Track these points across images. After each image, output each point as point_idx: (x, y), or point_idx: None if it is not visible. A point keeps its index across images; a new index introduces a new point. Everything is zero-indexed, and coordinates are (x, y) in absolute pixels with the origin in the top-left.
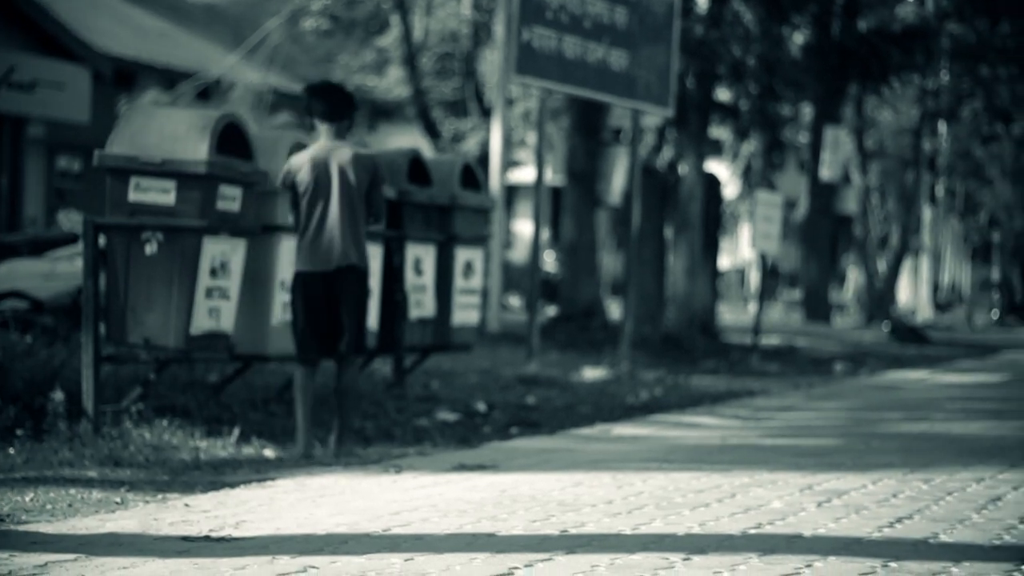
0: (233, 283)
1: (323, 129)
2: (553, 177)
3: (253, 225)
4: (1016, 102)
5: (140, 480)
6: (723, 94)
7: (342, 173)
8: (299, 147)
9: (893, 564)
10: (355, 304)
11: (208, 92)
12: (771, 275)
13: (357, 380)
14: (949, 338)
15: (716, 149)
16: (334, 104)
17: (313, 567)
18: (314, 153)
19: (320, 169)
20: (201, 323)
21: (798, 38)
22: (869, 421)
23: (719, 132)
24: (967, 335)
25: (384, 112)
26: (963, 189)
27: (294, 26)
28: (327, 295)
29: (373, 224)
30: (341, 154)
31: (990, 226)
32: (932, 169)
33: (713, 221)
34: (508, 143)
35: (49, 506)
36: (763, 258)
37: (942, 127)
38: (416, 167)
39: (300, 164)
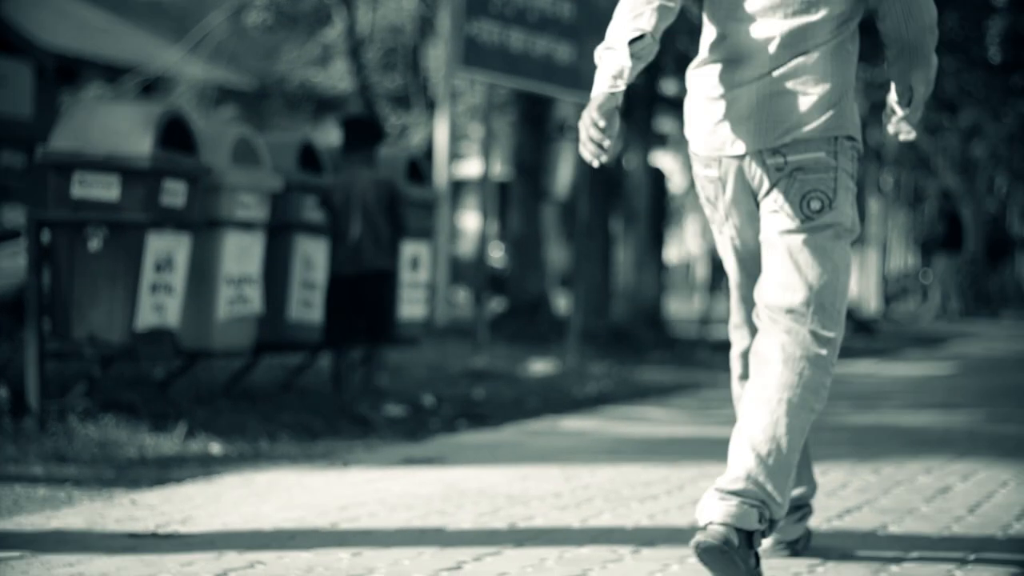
0: (178, 278)
1: (347, 157)
2: (499, 171)
3: (198, 220)
4: (962, 93)
5: (86, 477)
6: (670, 87)
7: (364, 193)
8: (244, 143)
9: (841, 555)
10: (381, 299)
11: (152, 87)
12: (718, 268)
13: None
14: (897, 329)
15: (663, 142)
16: (354, 136)
17: (260, 562)
18: (341, 179)
19: (346, 192)
20: (146, 318)
21: None
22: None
23: (666, 125)
24: (916, 327)
25: (329, 106)
26: (911, 180)
27: (238, 21)
28: (354, 293)
29: (400, 238)
30: (364, 177)
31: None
32: (878, 160)
33: (660, 214)
34: (454, 137)
35: None
36: (711, 250)
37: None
38: None
39: (333, 189)
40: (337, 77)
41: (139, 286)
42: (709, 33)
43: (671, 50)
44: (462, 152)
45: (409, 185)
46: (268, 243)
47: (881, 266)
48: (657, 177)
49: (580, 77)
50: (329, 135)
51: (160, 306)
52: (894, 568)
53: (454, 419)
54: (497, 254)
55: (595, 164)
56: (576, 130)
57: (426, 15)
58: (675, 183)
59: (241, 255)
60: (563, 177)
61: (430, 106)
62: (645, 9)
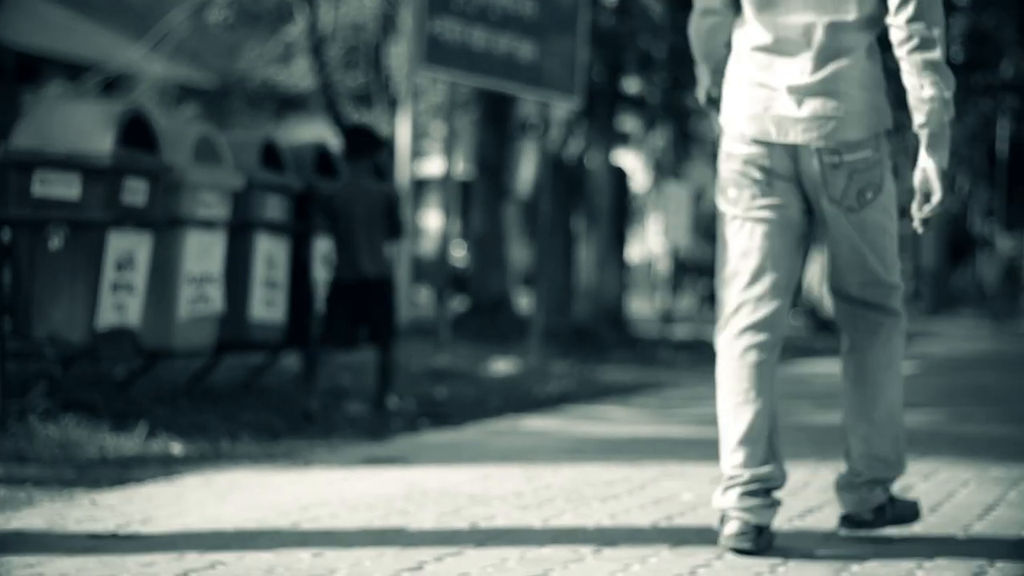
0: (139, 277)
1: (348, 165)
2: (462, 169)
3: (159, 218)
4: None
5: (46, 477)
6: (632, 85)
7: (365, 202)
8: (205, 141)
9: (803, 555)
10: (383, 302)
11: (114, 85)
12: (681, 267)
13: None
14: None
15: (625, 140)
16: (353, 145)
17: (221, 563)
18: (342, 187)
19: (346, 200)
20: (107, 317)
21: None
22: (779, 412)
23: (628, 123)
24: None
25: (291, 104)
26: None
27: (200, 18)
28: (355, 298)
29: (396, 241)
30: (363, 186)
31: (902, 216)
32: None
33: (621, 213)
34: (416, 135)
35: None
36: (673, 250)
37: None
38: (323, 159)
39: (334, 195)
40: (299, 75)
41: (100, 285)
42: (750, 25)
43: (632, 49)
44: (424, 151)
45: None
46: (230, 242)
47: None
48: (619, 176)
49: (542, 75)
50: (291, 133)
51: (121, 305)
52: (855, 568)
53: (416, 418)
54: (459, 253)
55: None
56: (537, 127)
57: (388, 13)
58: (637, 182)
59: (202, 254)
60: (525, 176)
61: (392, 104)
62: (700, 63)
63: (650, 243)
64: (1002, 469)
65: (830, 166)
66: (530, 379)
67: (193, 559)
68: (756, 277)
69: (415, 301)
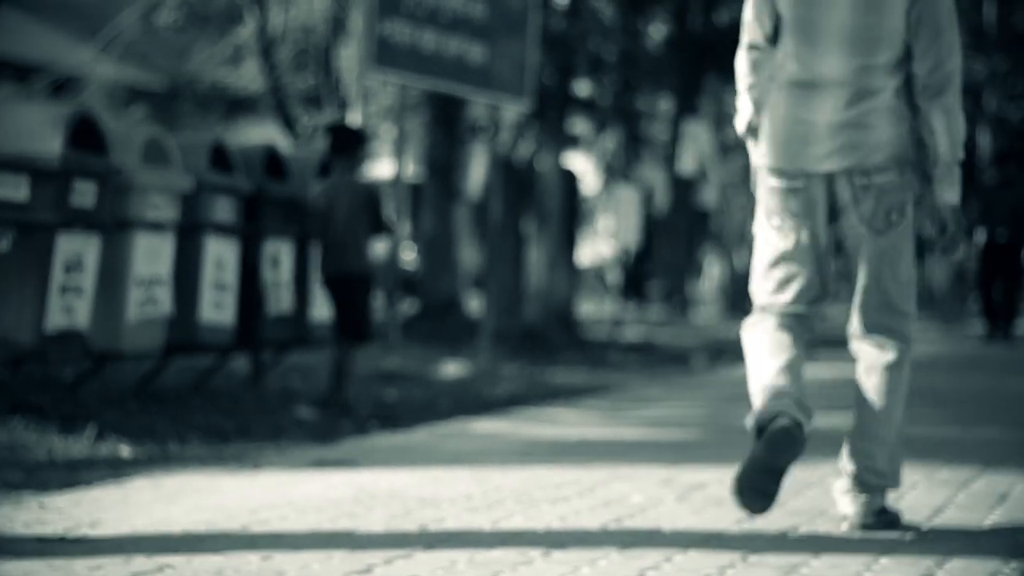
0: (88, 279)
1: (333, 163)
2: (412, 171)
3: (108, 220)
4: None
5: None
6: (582, 88)
7: (348, 199)
8: (154, 143)
9: (753, 557)
10: (359, 299)
11: (62, 86)
12: (630, 270)
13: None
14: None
15: (575, 143)
16: (337, 143)
17: (169, 566)
18: (327, 184)
19: (330, 197)
20: (56, 320)
21: (656, 31)
22: (729, 413)
23: (578, 126)
24: (827, 327)
25: (241, 106)
26: None
27: (149, 20)
28: (337, 293)
29: (379, 237)
30: (347, 183)
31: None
32: None
33: (571, 215)
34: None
35: None
36: (623, 252)
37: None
38: (273, 162)
39: (320, 192)
40: (248, 77)
41: (48, 287)
42: (790, 59)
43: (582, 52)
44: (374, 153)
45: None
46: (179, 244)
47: None
48: (569, 178)
49: (492, 78)
50: (240, 135)
51: (70, 307)
52: (805, 570)
53: (365, 421)
54: (409, 255)
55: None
56: (488, 130)
57: (338, 15)
58: (587, 184)
59: (151, 256)
60: (475, 178)
61: (342, 106)
62: (745, 94)
63: (600, 246)
64: (951, 471)
65: (861, 188)
66: (480, 381)
67: (141, 562)
68: (789, 289)
69: None
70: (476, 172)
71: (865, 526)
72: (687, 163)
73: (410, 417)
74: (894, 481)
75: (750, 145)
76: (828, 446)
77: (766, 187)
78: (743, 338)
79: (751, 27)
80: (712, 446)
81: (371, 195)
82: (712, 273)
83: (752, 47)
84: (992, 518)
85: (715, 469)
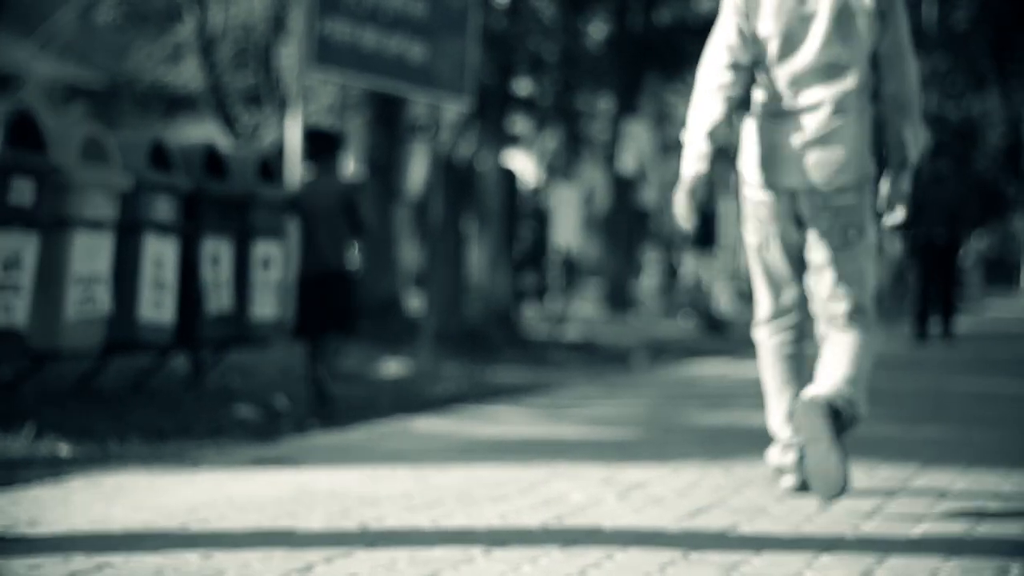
0: (26, 278)
1: (310, 165)
2: (352, 170)
3: (46, 219)
4: None
5: None
6: (523, 87)
7: (326, 199)
8: (93, 141)
9: (693, 555)
10: (342, 295)
11: (0, 84)
12: (571, 268)
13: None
14: (749, 330)
15: (516, 142)
16: (313, 146)
17: (108, 565)
18: (306, 186)
19: (309, 198)
20: None
21: (597, 31)
22: (669, 412)
23: (519, 125)
24: None
25: (181, 104)
26: None
27: (88, 18)
28: (319, 289)
29: (358, 236)
30: (325, 185)
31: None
32: (731, 162)
33: (512, 214)
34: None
35: None
36: (563, 251)
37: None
38: (213, 160)
39: (300, 195)
40: (188, 75)
41: None
42: (766, 91)
43: (523, 50)
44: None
45: (261, 185)
46: (118, 243)
47: (733, 267)
48: (509, 177)
49: (432, 76)
50: (180, 134)
51: (7, 306)
52: (746, 567)
53: (305, 420)
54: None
55: (687, 227)
56: (428, 129)
57: (278, 14)
58: (527, 184)
59: (90, 255)
60: (416, 177)
61: (282, 105)
62: (716, 99)
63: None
64: (890, 469)
65: (819, 207)
66: (420, 380)
67: (80, 561)
68: (780, 290)
69: None
70: (416, 171)
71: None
72: (627, 162)
73: (350, 416)
74: (857, 405)
75: (705, 147)
76: (768, 445)
77: (747, 199)
78: (758, 349)
79: (736, 50)
80: (652, 445)
81: (349, 196)
82: (652, 273)
83: (735, 67)
84: (932, 516)
85: (655, 468)
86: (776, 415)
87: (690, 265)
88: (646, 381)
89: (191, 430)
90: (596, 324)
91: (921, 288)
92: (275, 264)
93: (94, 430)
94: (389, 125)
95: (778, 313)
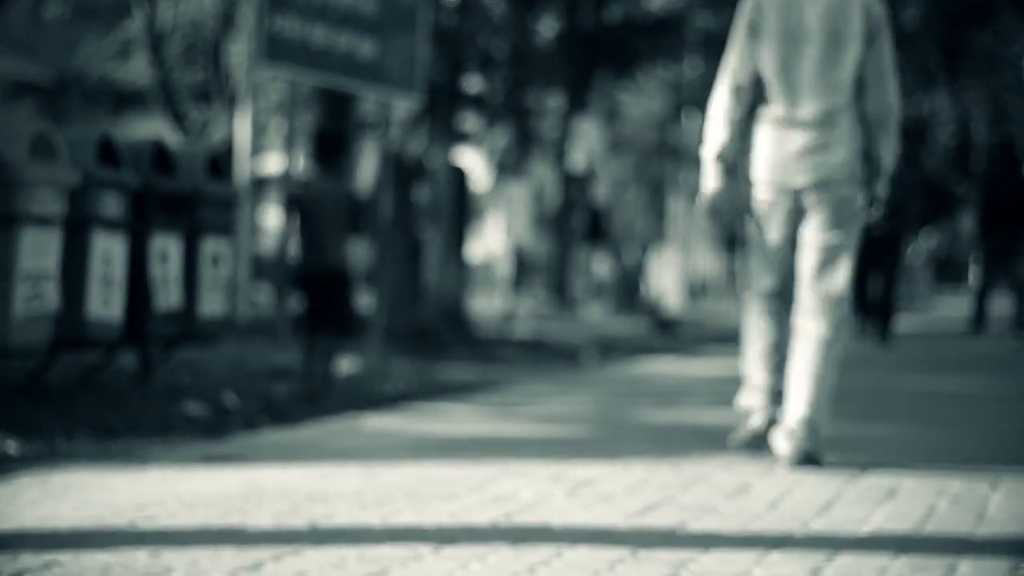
0: None
1: (314, 166)
2: (302, 167)
3: None
4: None
5: None
6: (473, 84)
7: (326, 201)
8: (41, 137)
9: (642, 552)
10: (341, 293)
11: None
12: (522, 265)
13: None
14: (699, 327)
15: (466, 139)
16: (320, 147)
17: (57, 563)
18: (308, 188)
19: (313, 196)
20: None
21: (547, 28)
22: (619, 410)
23: (469, 122)
24: (717, 324)
25: (129, 100)
26: None
27: (37, 13)
28: (321, 288)
29: (358, 237)
30: (326, 186)
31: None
32: (681, 160)
33: (462, 212)
34: (255, 133)
35: None
36: (514, 248)
37: (690, 118)
38: (161, 156)
39: (302, 195)
40: (137, 72)
41: None
42: (770, 104)
43: (473, 47)
44: (264, 148)
45: (209, 181)
46: (66, 239)
47: (683, 264)
48: (460, 174)
49: (382, 73)
50: (129, 130)
51: None
52: (694, 565)
53: (255, 417)
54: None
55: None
56: (378, 126)
57: (228, 10)
58: (477, 181)
59: (38, 251)
60: (365, 174)
61: (231, 101)
62: (722, 123)
63: (491, 242)
64: (839, 468)
65: (822, 198)
66: (370, 378)
67: (28, 559)
68: (773, 268)
69: (255, 300)
70: (366, 168)
71: (797, 463)
72: (577, 160)
73: (300, 413)
74: (819, 429)
75: (716, 168)
76: (717, 442)
77: (757, 198)
78: (744, 315)
79: (737, 72)
80: (602, 442)
81: (348, 198)
82: (602, 269)
83: (738, 89)
84: (880, 514)
85: (605, 465)
86: (750, 359)
87: (636, 261)
88: (596, 379)
89: (140, 427)
90: (546, 321)
91: (859, 284)
92: (224, 261)
93: (42, 427)
94: (338, 122)
95: (769, 285)
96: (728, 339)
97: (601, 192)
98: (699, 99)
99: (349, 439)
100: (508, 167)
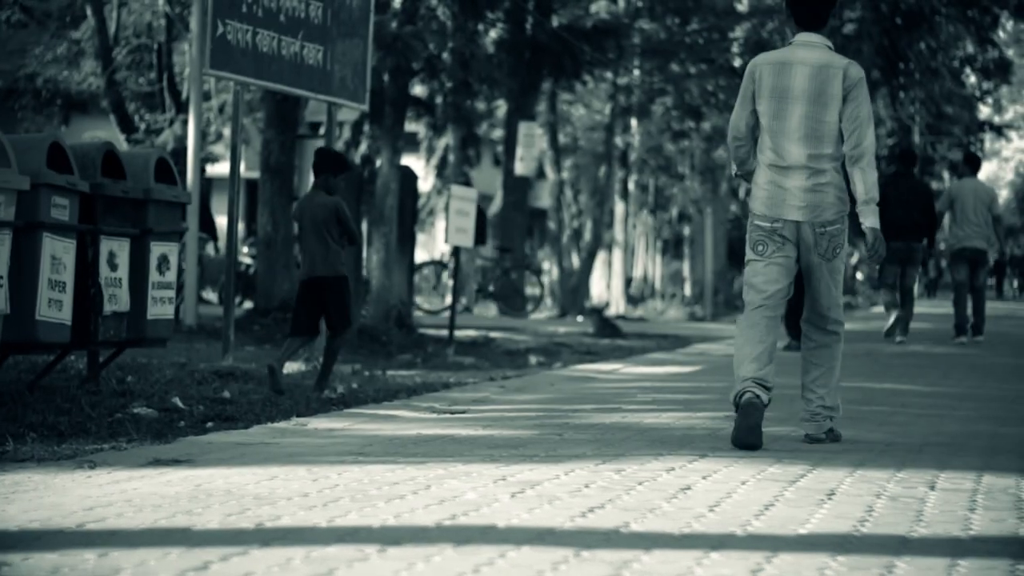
0: None
1: (314, 180)
2: (249, 171)
3: None
4: (705, 99)
5: None
6: (420, 89)
7: (314, 213)
8: None
9: (585, 553)
10: (334, 297)
11: None
12: (466, 268)
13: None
14: (641, 330)
15: (412, 143)
16: (322, 164)
17: (5, 564)
18: (301, 201)
19: (304, 209)
20: None
21: (492, 33)
22: (562, 412)
23: (415, 127)
24: (659, 327)
25: (78, 105)
26: (654, 184)
27: None
28: (313, 293)
29: (348, 244)
30: (315, 200)
31: (680, 220)
32: (624, 164)
33: (409, 215)
34: (204, 137)
35: None
36: (457, 252)
37: (633, 123)
38: (110, 160)
39: (295, 208)
40: (87, 76)
41: None
42: (767, 149)
43: (421, 53)
44: (213, 152)
45: (158, 186)
46: (15, 243)
47: (625, 268)
48: (406, 178)
49: (329, 78)
50: (78, 134)
51: None
52: (636, 565)
53: (202, 420)
54: (247, 254)
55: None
56: (325, 135)
57: (176, 14)
58: (425, 184)
59: None
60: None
61: (180, 106)
62: (732, 158)
63: (438, 245)
64: (779, 468)
65: (819, 234)
66: (316, 380)
67: None
68: (770, 289)
69: (203, 302)
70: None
71: (821, 440)
72: (523, 164)
73: (247, 416)
74: (838, 412)
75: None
76: (659, 444)
77: (754, 226)
78: (736, 328)
79: (736, 124)
80: (546, 444)
81: (336, 210)
82: (548, 273)
83: (736, 139)
84: (820, 514)
85: (549, 467)
86: (740, 360)
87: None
88: (540, 382)
89: (88, 430)
90: (490, 325)
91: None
92: (172, 264)
93: None
94: (286, 126)
95: (762, 302)
96: (671, 342)
97: (545, 195)
98: (641, 104)
99: (296, 442)
100: (454, 170)
